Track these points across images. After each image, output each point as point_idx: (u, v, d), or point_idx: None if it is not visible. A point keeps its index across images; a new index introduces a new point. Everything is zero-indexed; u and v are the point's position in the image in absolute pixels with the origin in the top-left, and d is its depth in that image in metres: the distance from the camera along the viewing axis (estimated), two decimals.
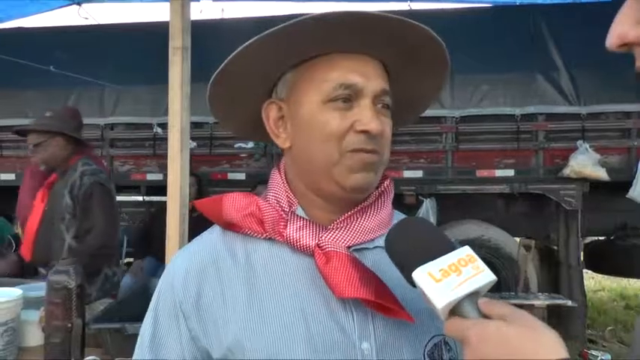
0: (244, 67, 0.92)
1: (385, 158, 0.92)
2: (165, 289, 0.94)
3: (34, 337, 1.99)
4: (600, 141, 5.10)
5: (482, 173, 5.25)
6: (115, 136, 5.80)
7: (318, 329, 0.85)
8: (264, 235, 0.93)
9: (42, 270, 2.94)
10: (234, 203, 0.95)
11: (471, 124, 5.23)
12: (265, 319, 0.86)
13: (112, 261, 3.20)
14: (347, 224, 0.92)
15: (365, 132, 0.87)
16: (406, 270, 0.75)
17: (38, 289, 2.09)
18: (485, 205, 5.66)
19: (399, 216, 1.03)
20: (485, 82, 5.22)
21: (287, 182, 0.97)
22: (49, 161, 3.08)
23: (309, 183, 0.94)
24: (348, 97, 0.88)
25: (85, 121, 5.61)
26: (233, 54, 0.90)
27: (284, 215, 0.92)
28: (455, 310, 0.71)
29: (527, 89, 5.18)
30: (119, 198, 6.13)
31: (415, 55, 0.93)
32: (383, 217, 0.96)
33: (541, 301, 4.63)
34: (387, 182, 0.99)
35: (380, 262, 0.91)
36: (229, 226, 0.95)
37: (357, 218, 0.93)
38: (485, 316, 0.70)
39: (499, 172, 5.23)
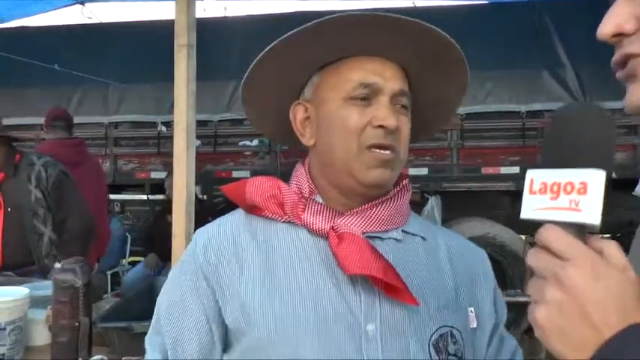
0: (275, 67, 0.98)
1: (402, 156, 0.97)
2: (188, 255, 1.01)
3: (41, 336, 1.98)
4: None
5: (487, 170, 5.24)
6: (119, 135, 5.80)
7: (326, 305, 0.90)
8: (284, 217, 0.98)
9: (9, 273, 2.83)
10: (256, 186, 1.00)
11: (476, 121, 5.21)
12: (276, 292, 0.91)
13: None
14: (362, 212, 0.97)
15: (382, 127, 0.92)
16: (574, 156, 0.61)
17: (45, 287, 2.08)
18: (491, 202, 5.63)
19: (417, 217, 1.08)
20: (490, 78, 5.20)
21: (310, 175, 1.03)
22: None
23: (331, 178, 0.99)
24: (367, 96, 0.94)
25: (89, 119, 5.70)
26: (264, 51, 0.96)
27: (303, 200, 0.98)
28: (569, 230, 0.59)
29: (532, 86, 5.16)
30: (124, 196, 6.21)
31: (433, 58, 0.98)
32: (399, 211, 1.00)
33: None
34: (405, 181, 1.04)
35: (392, 253, 0.95)
36: (252, 210, 1.01)
37: (372, 208, 0.97)
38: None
39: (504, 170, 5.21)
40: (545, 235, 0.58)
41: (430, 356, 0.89)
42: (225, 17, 6.86)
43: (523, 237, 5.46)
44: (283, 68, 0.99)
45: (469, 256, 1.06)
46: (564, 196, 0.59)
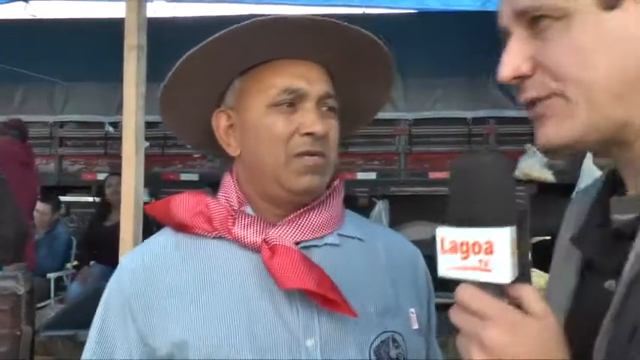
0: (193, 74, 0.94)
1: (332, 161, 0.95)
2: (114, 288, 0.96)
3: None
4: None
5: (435, 175, 5.35)
6: (64, 135, 5.65)
7: (262, 326, 0.87)
8: (214, 233, 0.94)
9: None
10: (182, 204, 0.96)
11: (424, 126, 5.33)
12: (210, 318, 0.88)
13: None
14: (294, 221, 0.94)
15: (309, 134, 0.89)
16: (481, 211, 0.60)
17: None
18: (438, 206, 5.68)
19: (351, 215, 1.05)
20: (439, 86, 5.33)
21: (238, 186, 0.99)
22: None
23: (259, 188, 0.96)
24: (292, 102, 0.91)
25: (33, 118, 5.51)
26: (181, 59, 0.92)
27: (233, 213, 0.94)
28: (485, 288, 0.61)
29: (479, 93, 5.30)
30: (69, 198, 6.03)
31: (356, 58, 0.96)
32: (333, 215, 0.97)
33: None
34: (336, 182, 1.01)
35: (329, 259, 0.93)
36: (180, 227, 0.96)
37: (305, 215, 0.95)
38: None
39: None
40: (461, 295, 0.60)
41: None
42: (174, 17, 6.77)
43: None
44: (203, 74, 0.94)
45: (408, 255, 1.05)
46: (473, 256, 0.59)
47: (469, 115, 5.28)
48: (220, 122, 0.98)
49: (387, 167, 5.39)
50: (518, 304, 0.59)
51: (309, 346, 0.87)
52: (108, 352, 0.92)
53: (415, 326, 0.97)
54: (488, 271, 0.59)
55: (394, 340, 0.92)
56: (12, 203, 2.98)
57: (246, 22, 0.88)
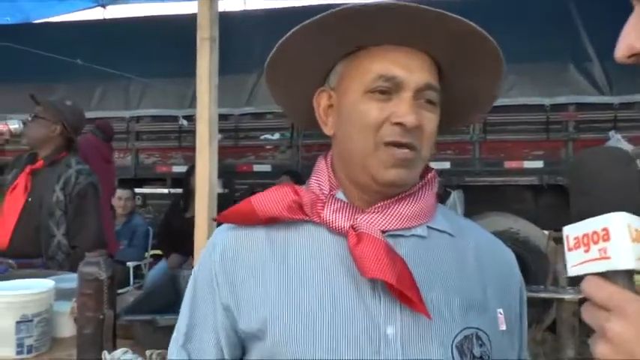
0: (297, 54, 0.94)
1: (424, 154, 0.92)
2: (205, 258, 0.99)
3: (67, 328, 2.00)
4: (634, 131, 4.97)
5: (510, 165, 5.18)
6: (140, 129, 5.85)
7: (343, 309, 0.86)
8: (304, 217, 0.94)
9: (12, 262, 2.85)
10: (270, 200, 0.95)
11: (499, 114, 5.14)
12: (293, 298, 0.88)
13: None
14: (384, 209, 0.93)
15: (400, 124, 0.87)
16: (595, 202, 0.61)
17: (71, 280, 2.10)
18: (514, 197, 5.57)
19: (444, 210, 1.03)
20: (514, 71, 5.13)
21: (332, 169, 0.99)
22: (36, 141, 3.02)
23: (348, 172, 0.95)
24: (387, 90, 0.88)
25: (111, 114, 5.74)
26: (284, 38, 0.92)
27: (322, 197, 0.94)
28: (606, 274, 0.60)
29: (557, 78, 5.08)
30: (145, 190, 6.25)
31: (463, 49, 0.92)
32: (423, 207, 0.95)
33: (571, 295, 4.53)
34: (430, 174, 0.99)
35: (415, 250, 0.92)
36: (270, 221, 0.95)
37: (396, 205, 0.93)
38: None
39: (528, 164, 5.14)
40: (586, 288, 0.59)
41: (453, 358, 0.85)
42: (245, 10, 6.87)
43: (546, 232, 5.39)
44: (307, 53, 0.94)
45: (499, 255, 1.01)
46: (593, 246, 0.59)
47: (547, 101, 5.06)
48: (321, 101, 0.99)
49: (461, 157, 5.26)
50: None
51: (389, 334, 0.85)
52: (195, 317, 0.96)
53: (502, 327, 0.93)
54: (608, 258, 0.58)
55: (478, 338, 0.88)
56: (96, 213, 3.03)
57: (353, 4, 0.86)
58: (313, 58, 0.96)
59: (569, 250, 0.62)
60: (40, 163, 3.00)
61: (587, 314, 0.59)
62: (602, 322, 0.56)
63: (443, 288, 0.89)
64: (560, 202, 5.59)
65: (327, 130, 0.98)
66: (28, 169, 2.99)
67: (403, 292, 0.83)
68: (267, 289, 0.90)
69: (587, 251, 0.60)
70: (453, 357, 0.85)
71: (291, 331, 0.86)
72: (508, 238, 5.03)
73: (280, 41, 0.93)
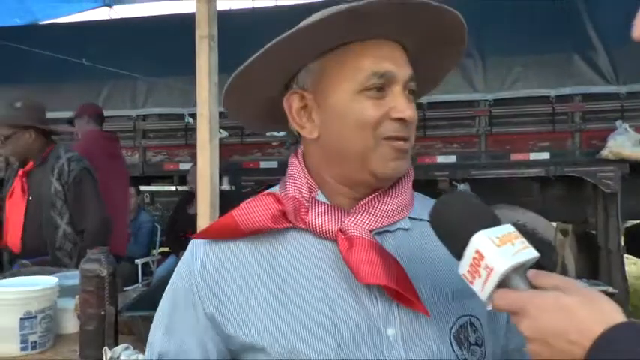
0: (266, 61, 0.91)
1: (412, 143, 0.93)
2: (183, 272, 0.95)
3: (71, 325, 2.04)
4: None
5: (516, 157, 5.15)
6: (147, 127, 5.87)
7: (343, 315, 0.85)
8: (289, 226, 0.92)
9: (26, 262, 2.89)
10: (252, 213, 0.91)
11: (505, 107, 5.12)
12: (290, 308, 0.86)
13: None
14: (369, 207, 0.92)
15: (400, 120, 0.87)
16: (459, 238, 0.73)
17: (74, 277, 2.13)
18: (521, 189, 5.54)
19: (420, 197, 1.03)
20: (519, 63, 5.10)
21: (307, 170, 0.97)
22: (21, 154, 3.09)
23: (339, 172, 0.93)
24: (382, 86, 0.88)
25: (118, 112, 5.77)
26: (259, 52, 0.89)
27: (304, 202, 0.92)
28: (504, 283, 0.70)
29: (562, 69, 5.04)
30: (153, 188, 6.29)
31: (435, 37, 0.93)
32: (404, 200, 0.96)
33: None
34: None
35: (402, 245, 0.92)
36: (253, 233, 0.92)
37: (379, 201, 0.93)
38: (535, 288, 0.69)
39: (534, 156, 5.11)
40: (495, 303, 0.70)
41: (452, 349, 0.86)
42: (252, 9, 6.87)
43: (554, 224, 5.37)
44: (278, 57, 0.90)
45: None
46: (480, 270, 0.70)
47: (552, 92, 5.02)
48: (293, 103, 0.95)
49: (467, 150, 5.23)
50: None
51: (390, 336, 0.85)
52: (176, 336, 0.93)
53: (489, 307, 0.93)
54: (492, 269, 0.68)
55: (472, 324, 0.90)
56: (96, 197, 3.13)
57: (328, 10, 0.85)
58: (283, 63, 0.93)
59: (472, 285, 0.71)
60: (30, 165, 3.08)
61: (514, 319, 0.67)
62: (518, 326, 0.65)
63: (433, 280, 0.90)
64: (567, 193, 5.56)
65: (308, 134, 0.94)
66: (21, 172, 3.09)
67: (402, 294, 0.83)
68: (259, 301, 0.87)
69: (480, 276, 0.70)
70: (452, 348, 0.86)
71: (297, 342, 0.83)
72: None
73: (244, 65, 0.90)
